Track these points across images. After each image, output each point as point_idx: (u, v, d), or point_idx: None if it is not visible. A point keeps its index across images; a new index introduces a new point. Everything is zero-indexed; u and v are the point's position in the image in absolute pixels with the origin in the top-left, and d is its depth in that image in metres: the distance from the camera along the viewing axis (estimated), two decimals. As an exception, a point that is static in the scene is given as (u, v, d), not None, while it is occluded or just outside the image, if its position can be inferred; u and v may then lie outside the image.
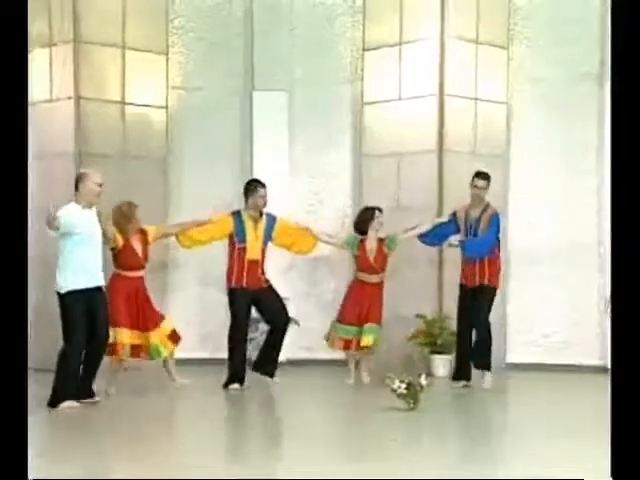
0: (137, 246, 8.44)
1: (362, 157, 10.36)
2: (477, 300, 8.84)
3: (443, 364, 9.56)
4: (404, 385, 7.35)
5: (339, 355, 9.65)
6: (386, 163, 10.15)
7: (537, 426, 7.51)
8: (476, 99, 10.09)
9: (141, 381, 8.89)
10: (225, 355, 8.77)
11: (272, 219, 8.89)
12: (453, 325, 9.47)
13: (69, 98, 9.57)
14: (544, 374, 8.71)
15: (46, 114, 9.62)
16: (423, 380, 7.42)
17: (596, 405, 7.12)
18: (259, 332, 9.64)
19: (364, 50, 10.33)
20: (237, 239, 8.74)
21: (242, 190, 8.77)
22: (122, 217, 8.34)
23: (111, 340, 7.97)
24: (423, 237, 9.26)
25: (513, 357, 9.93)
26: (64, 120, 9.59)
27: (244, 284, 8.72)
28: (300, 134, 10.34)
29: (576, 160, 10.13)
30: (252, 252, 8.76)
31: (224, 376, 8.69)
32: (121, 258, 8.35)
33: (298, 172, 10.23)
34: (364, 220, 9.15)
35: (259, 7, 10.35)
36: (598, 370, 9.51)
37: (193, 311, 9.98)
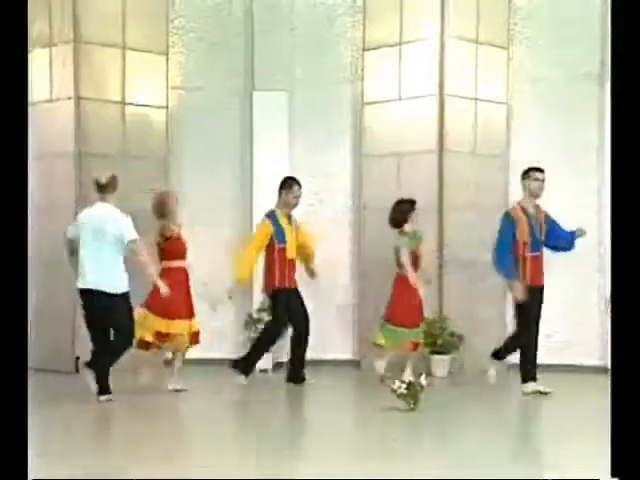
0: (182, 233, 8.51)
1: (362, 157, 10.34)
2: (536, 304, 8.62)
3: (443, 364, 9.57)
4: (404, 385, 7.36)
5: (340, 355, 9.66)
6: (386, 163, 10.14)
7: (537, 426, 7.52)
8: (476, 99, 10.08)
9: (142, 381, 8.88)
10: (230, 356, 8.78)
11: (294, 220, 8.91)
12: (453, 325, 9.48)
13: (69, 98, 9.57)
14: (545, 374, 8.68)
15: (46, 114, 9.62)
16: (423, 380, 7.43)
17: (596, 405, 7.12)
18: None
19: (364, 50, 10.31)
20: (277, 240, 8.67)
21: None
22: (174, 205, 8.40)
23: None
24: (501, 269, 8.64)
25: (514, 357, 9.91)
26: (64, 120, 9.58)
27: (287, 284, 8.70)
28: (300, 134, 10.34)
29: (576, 160, 10.13)
30: (291, 251, 8.75)
31: (226, 377, 8.70)
32: (171, 247, 8.33)
33: (298, 172, 10.18)
34: (403, 211, 8.90)
35: (259, 7, 10.34)
36: (598, 370, 9.51)
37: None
